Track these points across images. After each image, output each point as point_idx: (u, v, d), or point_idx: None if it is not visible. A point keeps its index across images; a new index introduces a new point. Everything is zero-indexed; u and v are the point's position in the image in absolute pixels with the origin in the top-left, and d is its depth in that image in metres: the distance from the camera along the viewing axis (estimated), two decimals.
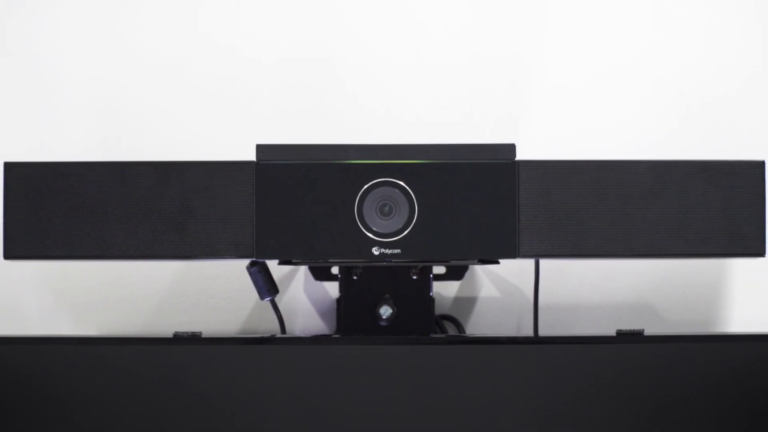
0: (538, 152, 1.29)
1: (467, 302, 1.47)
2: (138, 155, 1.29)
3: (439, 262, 1.33)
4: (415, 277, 1.32)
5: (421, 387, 1.21)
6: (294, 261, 1.24)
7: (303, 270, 1.46)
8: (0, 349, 1.22)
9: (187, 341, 1.22)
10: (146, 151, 1.45)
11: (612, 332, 1.24)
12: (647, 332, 1.24)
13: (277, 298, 1.31)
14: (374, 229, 1.17)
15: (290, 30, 1.49)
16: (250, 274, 1.28)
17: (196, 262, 1.43)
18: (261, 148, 1.18)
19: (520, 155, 1.18)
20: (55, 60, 1.48)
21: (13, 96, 1.48)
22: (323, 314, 1.47)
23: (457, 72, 1.49)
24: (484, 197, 1.17)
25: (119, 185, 1.17)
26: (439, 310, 1.45)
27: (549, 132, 1.48)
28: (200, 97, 1.48)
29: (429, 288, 1.33)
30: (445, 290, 1.47)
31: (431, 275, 1.33)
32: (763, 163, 1.18)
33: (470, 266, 1.44)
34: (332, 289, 1.46)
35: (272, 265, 1.30)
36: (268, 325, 1.45)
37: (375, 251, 1.17)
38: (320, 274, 1.40)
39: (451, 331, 1.45)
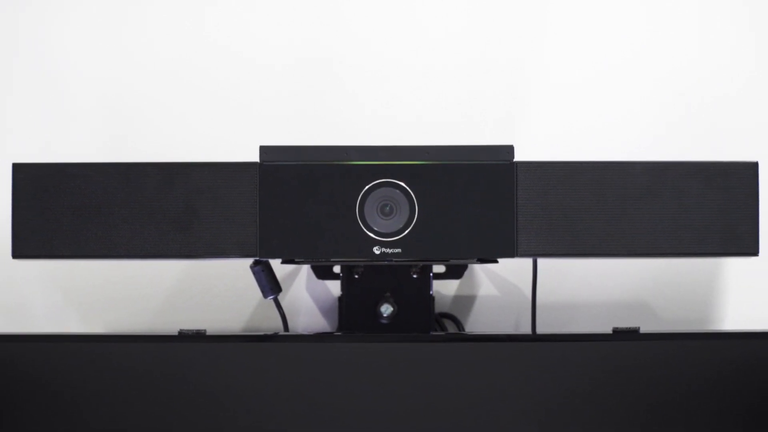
0: (538, 153, 1.28)
1: (466, 300, 1.47)
2: (143, 156, 1.25)
3: (438, 261, 1.33)
4: (415, 276, 1.32)
5: (422, 383, 1.21)
6: (297, 260, 1.24)
7: (305, 269, 1.46)
8: (9, 346, 1.22)
9: (192, 339, 1.22)
10: (151, 152, 1.45)
11: (608, 330, 1.24)
12: (643, 330, 1.24)
13: (280, 297, 1.31)
14: (375, 228, 1.17)
15: (292, 33, 1.49)
16: (254, 273, 1.28)
17: (200, 261, 1.43)
18: (264, 150, 1.17)
19: (520, 155, 1.18)
20: (63, 63, 1.48)
21: (22, 98, 1.48)
22: (325, 312, 1.47)
23: (457, 73, 1.49)
24: (483, 198, 1.17)
25: (125, 186, 1.17)
26: (438, 308, 1.45)
27: (548, 133, 1.48)
28: (204, 98, 1.48)
29: (429, 286, 1.33)
30: (444, 289, 1.47)
31: (431, 274, 1.33)
32: (756, 164, 1.17)
33: (469, 265, 1.43)
34: (334, 287, 1.46)
35: (275, 264, 1.30)
36: (272, 323, 1.45)
37: (376, 250, 1.17)
38: (322, 272, 1.40)
39: (451, 328, 1.45)
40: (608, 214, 1.17)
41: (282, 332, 1.35)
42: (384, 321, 1.32)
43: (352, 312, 1.33)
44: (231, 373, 1.21)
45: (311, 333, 1.44)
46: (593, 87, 1.49)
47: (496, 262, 1.30)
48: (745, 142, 1.48)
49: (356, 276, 1.33)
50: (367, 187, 1.17)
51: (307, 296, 1.47)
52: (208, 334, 1.23)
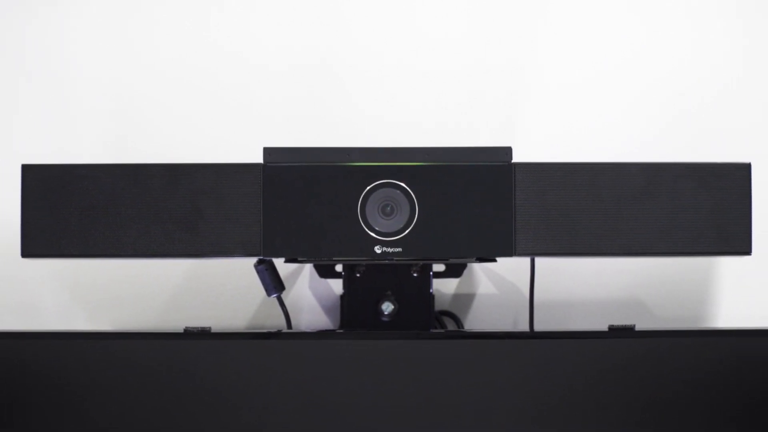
0: (535, 153, 1.27)
1: (466, 299, 1.48)
2: (150, 158, 1.27)
3: (438, 260, 1.32)
4: (415, 275, 1.32)
5: (422, 380, 1.21)
6: (300, 259, 1.25)
7: (308, 268, 1.46)
8: (18, 343, 1.22)
9: (197, 336, 1.22)
10: (157, 153, 1.44)
11: (604, 327, 1.24)
12: (638, 327, 1.24)
13: (283, 295, 1.32)
14: (376, 228, 1.17)
15: (294, 35, 1.49)
16: (258, 271, 1.29)
17: (205, 260, 1.42)
18: (268, 151, 1.17)
19: (518, 156, 1.18)
20: (71, 66, 1.49)
21: (31, 101, 1.48)
22: (327, 310, 1.47)
23: (456, 75, 1.49)
24: (481, 198, 1.17)
25: (132, 186, 1.17)
26: (438, 306, 1.46)
27: (545, 134, 1.48)
28: (207, 100, 1.48)
29: (429, 285, 1.33)
30: (444, 287, 1.47)
31: (431, 273, 1.33)
32: (749, 165, 1.18)
33: (469, 264, 1.44)
34: (336, 286, 1.46)
35: (279, 263, 1.30)
36: (275, 321, 1.45)
37: (377, 250, 1.17)
38: (325, 271, 1.40)
39: (451, 326, 1.46)
40: (604, 214, 1.17)
41: (285, 330, 1.35)
42: (385, 319, 1.32)
43: (353, 310, 1.33)
44: (235, 369, 1.21)
45: (314, 330, 1.44)
46: (590, 89, 1.49)
47: (495, 261, 1.31)
48: (738, 144, 1.48)
49: (358, 275, 1.33)
50: (368, 187, 1.17)
51: (310, 294, 1.47)
52: (213, 331, 1.23)
